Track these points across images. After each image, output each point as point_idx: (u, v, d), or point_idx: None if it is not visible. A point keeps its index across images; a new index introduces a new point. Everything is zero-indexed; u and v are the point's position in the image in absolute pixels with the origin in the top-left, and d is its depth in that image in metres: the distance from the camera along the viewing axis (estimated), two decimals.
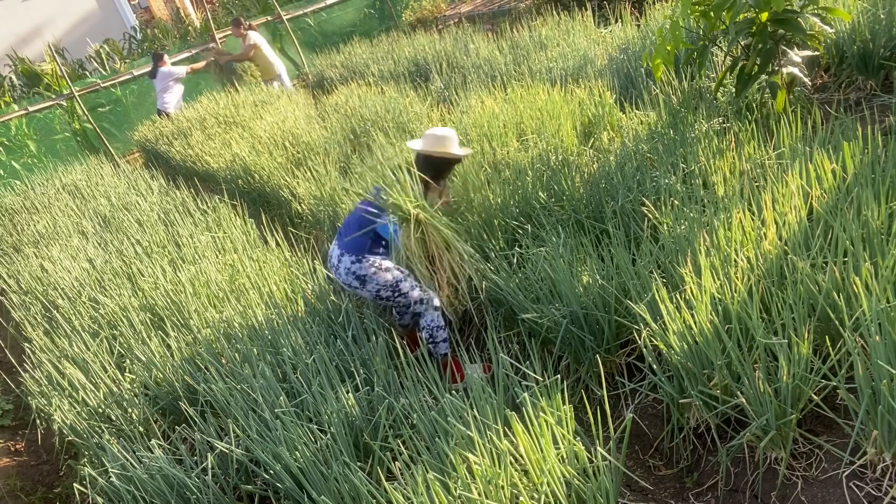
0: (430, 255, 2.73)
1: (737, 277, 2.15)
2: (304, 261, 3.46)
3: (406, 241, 2.69)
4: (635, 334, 2.31)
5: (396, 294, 2.81)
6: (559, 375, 2.12)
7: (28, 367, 3.34)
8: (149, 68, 9.66)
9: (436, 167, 2.94)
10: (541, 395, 1.96)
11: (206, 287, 3.43)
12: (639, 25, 5.67)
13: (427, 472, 1.79)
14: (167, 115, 8.43)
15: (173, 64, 9.15)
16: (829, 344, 1.89)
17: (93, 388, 2.94)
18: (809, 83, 3.57)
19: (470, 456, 1.82)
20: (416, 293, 2.81)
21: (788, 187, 2.45)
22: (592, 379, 2.59)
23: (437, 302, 2.85)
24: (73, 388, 2.97)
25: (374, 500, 1.87)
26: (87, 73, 12.31)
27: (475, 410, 1.97)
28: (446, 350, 2.87)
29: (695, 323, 2.07)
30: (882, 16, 3.64)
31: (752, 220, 2.39)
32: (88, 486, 2.47)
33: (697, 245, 2.31)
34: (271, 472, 2.14)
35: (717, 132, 3.27)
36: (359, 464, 2.10)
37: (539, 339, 2.70)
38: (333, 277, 2.98)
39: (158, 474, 2.27)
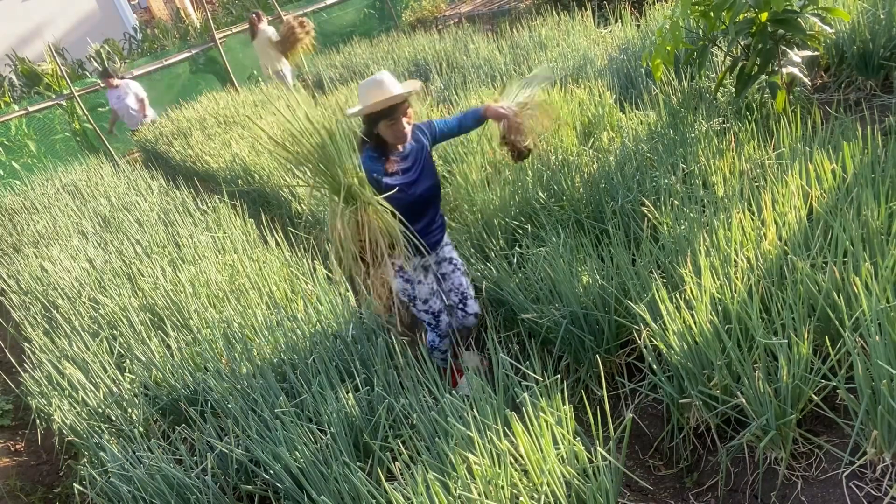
0: (362, 242, 2.22)
1: (737, 277, 2.15)
2: (304, 261, 3.46)
3: (333, 221, 2.19)
4: (635, 334, 2.31)
5: (408, 302, 2.70)
6: (559, 375, 2.12)
7: (28, 367, 3.34)
8: (149, 68, 9.67)
9: (374, 122, 2.42)
10: (541, 395, 1.96)
11: (206, 287, 3.43)
12: (639, 25, 5.67)
13: (427, 472, 1.79)
14: (140, 127, 8.27)
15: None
16: (829, 344, 1.89)
17: (93, 388, 2.94)
18: (809, 83, 3.57)
19: (470, 456, 1.82)
20: (423, 315, 2.67)
21: (788, 187, 2.45)
22: (592, 379, 2.59)
23: (443, 326, 2.70)
24: (73, 388, 2.97)
25: (374, 500, 1.87)
26: (87, 74, 12.32)
27: (475, 410, 1.97)
28: (440, 365, 2.82)
29: (695, 323, 2.07)
30: (882, 16, 3.63)
31: (752, 220, 2.39)
32: (88, 486, 2.47)
33: (697, 245, 2.31)
34: (271, 472, 2.14)
35: (717, 132, 3.27)
36: (359, 464, 2.10)
37: (539, 339, 2.70)
38: None
39: (158, 474, 2.27)
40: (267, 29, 8.57)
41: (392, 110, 2.39)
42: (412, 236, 2.34)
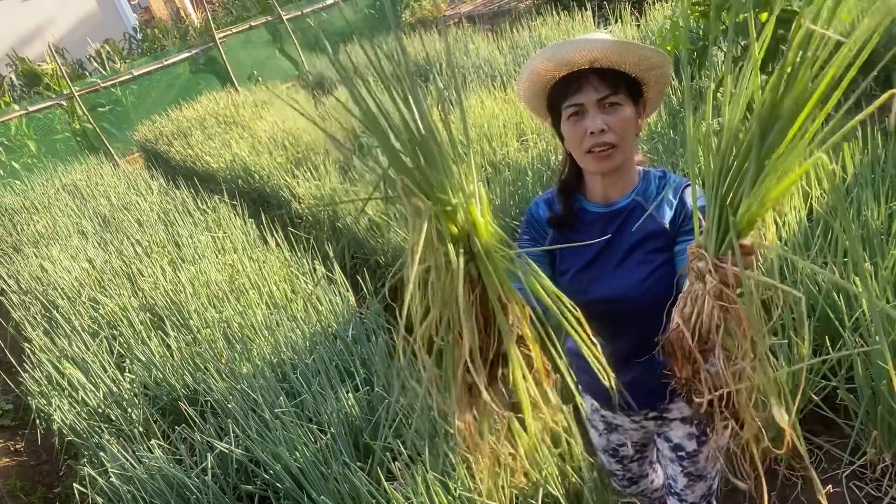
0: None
1: None
2: (304, 261, 3.46)
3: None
4: None
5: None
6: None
7: (28, 367, 3.33)
8: (149, 68, 9.67)
9: (555, 118, 1.31)
10: None
11: (205, 287, 3.43)
12: (639, 25, 5.67)
13: (427, 472, 1.79)
14: None
15: None
16: (829, 344, 1.89)
17: (93, 388, 2.94)
18: None
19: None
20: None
21: None
22: None
23: (617, 483, 1.73)
24: (73, 388, 2.97)
25: (373, 500, 1.87)
26: (88, 74, 12.32)
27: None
28: None
29: None
30: None
31: None
32: (88, 486, 2.47)
33: None
34: (271, 472, 2.14)
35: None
36: (359, 464, 2.10)
37: None
38: None
39: (158, 474, 2.27)
40: None
41: (572, 87, 1.15)
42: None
